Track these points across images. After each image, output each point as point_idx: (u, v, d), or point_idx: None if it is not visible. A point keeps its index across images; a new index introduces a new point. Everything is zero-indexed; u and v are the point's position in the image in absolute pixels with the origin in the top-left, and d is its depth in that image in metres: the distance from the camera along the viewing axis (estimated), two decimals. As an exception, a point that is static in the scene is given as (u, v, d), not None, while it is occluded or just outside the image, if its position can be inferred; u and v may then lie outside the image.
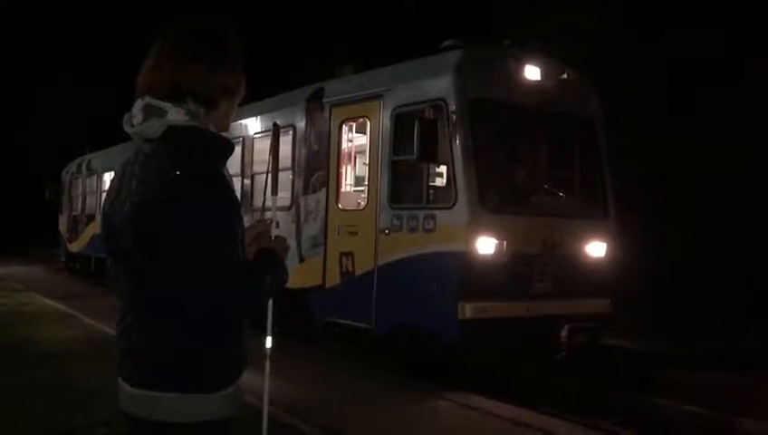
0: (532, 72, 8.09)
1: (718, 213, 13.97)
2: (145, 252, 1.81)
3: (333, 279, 8.82)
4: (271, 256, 2.02)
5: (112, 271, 1.98)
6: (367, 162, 8.77)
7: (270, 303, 2.98)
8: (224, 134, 2.01)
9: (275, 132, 4.09)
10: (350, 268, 8.56)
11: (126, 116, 1.94)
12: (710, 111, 14.69)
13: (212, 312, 1.83)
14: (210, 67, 1.92)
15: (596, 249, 8.27)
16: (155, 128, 1.88)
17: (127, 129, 1.95)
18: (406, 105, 8.06)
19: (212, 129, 1.96)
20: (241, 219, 1.92)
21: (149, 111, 1.88)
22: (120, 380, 1.93)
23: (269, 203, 2.84)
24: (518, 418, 6.23)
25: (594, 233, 8.30)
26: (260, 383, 3.32)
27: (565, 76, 8.39)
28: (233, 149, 2.02)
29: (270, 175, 3.71)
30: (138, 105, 1.91)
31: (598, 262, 8.26)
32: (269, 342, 3.36)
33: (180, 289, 1.78)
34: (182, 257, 1.77)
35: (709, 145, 13.88)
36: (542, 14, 14.74)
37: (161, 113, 1.88)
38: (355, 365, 8.48)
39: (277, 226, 2.84)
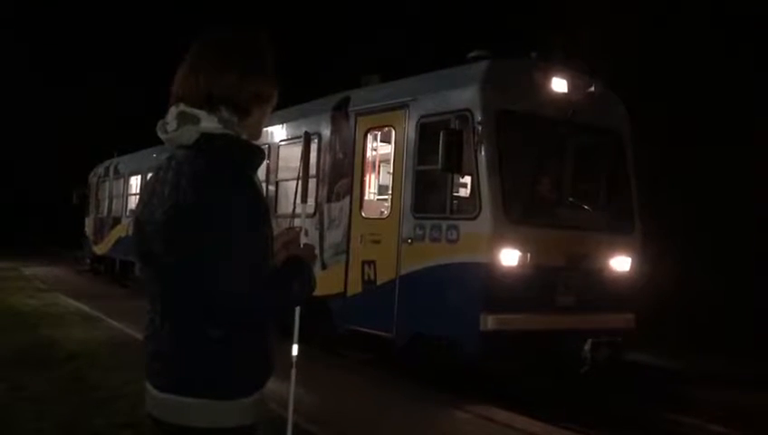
0: (558, 84, 8.05)
1: (750, 228, 13.73)
2: (175, 256, 1.83)
3: (355, 287, 8.83)
4: (299, 264, 2.03)
5: (142, 275, 2.00)
6: (391, 171, 8.78)
7: (297, 311, 2.98)
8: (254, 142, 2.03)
9: (306, 141, 4.10)
10: (372, 277, 8.56)
11: (160, 123, 1.97)
12: (743, 119, 14.45)
13: (240, 317, 1.83)
14: (243, 75, 1.93)
15: (620, 263, 8.19)
16: (189, 135, 1.91)
17: (161, 135, 1.97)
18: (431, 115, 8.06)
19: (244, 136, 1.98)
20: (270, 227, 1.94)
21: (183, 119, 1.91)
22: (147, 383, 1.94)
23: (299, 210, 2.85)
24: (538, 433, 6.17)
25: (619, 247, 8.21)
26: (284, 390, 3.33)
27: (592, 89, 8.33)
28: (264, 157, 2.04)
29: (300, 182, 3.71)
30: (172, 112, 1.94)
31: (622, 276, 8.17)
32: (295, 349, 3.36)
33: (209, 294, 1.79)
34: (211, 263, 1.78)
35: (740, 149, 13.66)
36: (569, 28, 14.67)
37: (195, 121, 1.90)
38: (376, 374, 8.46)
39: (306, 233, 2.84)
